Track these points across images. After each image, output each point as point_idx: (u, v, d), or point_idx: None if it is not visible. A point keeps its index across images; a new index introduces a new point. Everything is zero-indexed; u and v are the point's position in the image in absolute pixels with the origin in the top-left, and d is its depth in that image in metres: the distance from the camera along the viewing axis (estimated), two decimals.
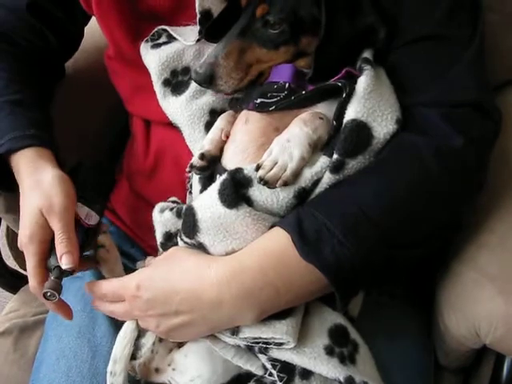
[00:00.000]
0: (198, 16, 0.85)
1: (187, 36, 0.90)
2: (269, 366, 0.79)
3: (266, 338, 0.77)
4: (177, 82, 0.91)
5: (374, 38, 0.80)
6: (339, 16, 0.78)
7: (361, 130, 0.75)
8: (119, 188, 1.11)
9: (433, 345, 0.98)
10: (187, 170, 0.86)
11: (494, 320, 0.81)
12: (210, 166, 0.85)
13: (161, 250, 0.89)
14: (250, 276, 0.76)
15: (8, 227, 1.26)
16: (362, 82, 0.77)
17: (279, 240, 0.76)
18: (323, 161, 0.77)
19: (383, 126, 0.76)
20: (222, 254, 0.80)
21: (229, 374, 0.83)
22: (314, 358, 0.76)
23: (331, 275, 0.73)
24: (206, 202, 0.78)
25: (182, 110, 0.89)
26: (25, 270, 1.30)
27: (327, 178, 0.76)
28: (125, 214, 1.11)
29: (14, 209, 1.15)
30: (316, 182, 0.77)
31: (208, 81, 0.81)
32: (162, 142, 1.01)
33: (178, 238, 0.84)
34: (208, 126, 0.88)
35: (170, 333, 0.81)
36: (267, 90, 0.82)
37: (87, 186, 0.93)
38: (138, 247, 1.08)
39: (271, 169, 0.76)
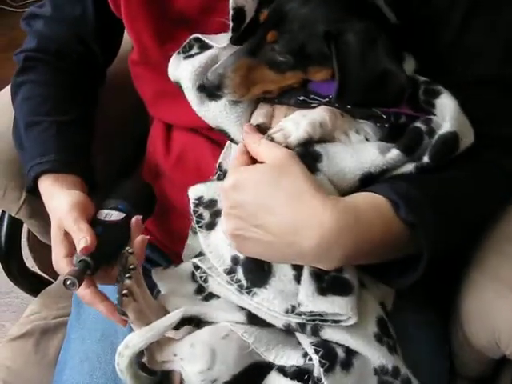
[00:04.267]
0: (232, 12, 0.85)
1: (220, 42, 0.89)
2: (311, 351, 0.79)
3: (327, 314, 0.77)
4: None
5: (393, 81, 0.80)
6: (351, 60, 0.78)
7: (454, 141, 0.79)
8: None
9: (447, 352, 0.98)
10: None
11: None
12: None
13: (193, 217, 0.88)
14: (360, 231, 0.75)
15: (29, 230, 1.27)
16: (450, 98, 0.81)
17: (381, 203, 0.77)
18: (395, 153, 0.79)
19: (467, 139, 0.81)
20: None
21: (241, 365, 0.82)
22: (367, 342, 0.78)
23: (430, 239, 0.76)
24: None
25: (228, 112, 0.88)
26: (44, 272, 1.35)
27: (407, 170, 0.80)
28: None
29: (37, 214, 1.18)
30: (384, 172, 0.79)
31: (216, 88, 0.83)
32: (184, 146, 1.02)
33: None
34: None
35: (238, 238, 0.79)
36: (311, 92, 0.83)
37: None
38: (159, 252, 1.09)
39: (277, 131, 0.80)
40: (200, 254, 0.89)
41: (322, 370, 0.77)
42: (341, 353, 0.79)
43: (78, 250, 0.84)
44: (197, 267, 0.88)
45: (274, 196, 0.76)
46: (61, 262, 0.88)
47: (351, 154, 0.79)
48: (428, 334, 0.97)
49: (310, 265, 0.79)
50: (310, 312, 0.78)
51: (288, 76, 0.83)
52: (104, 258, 0.86)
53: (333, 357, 0.78)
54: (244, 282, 0.82)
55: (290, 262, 0.80)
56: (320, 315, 0.78)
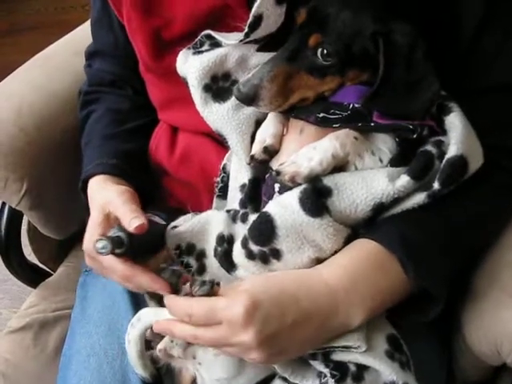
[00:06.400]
0: (251, 19, 0.82)
1: (232, 40, 0.87)
2: (321, 367, 0.79)
3: (337, 347, 0.78)
4: (217, 87, 0.88)
5: (428, 86, 0.79)
6: (396, 61, 0.77)
7: (462, 165, 0.78)
8: None
9: (446, 362, 0.98)
10: (247, 161, 0.86)
11: None
12: (270, 160, 0.85)
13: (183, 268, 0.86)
14: (366, 285, 0.78)
15: (29, 222, 1.27)
16: (459, 118, 0.80)
17: (385, 255, 0.79)
18: (405, 179, 0.77)
19: (476, 162, 0.79)
20: (297, 261, 0.80)
21: (258, 378, 0.83)
22: (378, 359, 0.78)
23: (440, 294, 0.79)
24: (287, 210, 0.78)
25: (229, 117, 0.87)
26: (44, 264, 1.34)
27: (419, 200, 0.79)
28: None
29: (37, 206, 1.17)
30: (395, 200, 0.78)
31: (249, 101, 0.81)
32: (188, 147, 1.01)
33: (237, 246, 0.82)
34: (255, 135, 0.88)
35: (274, 356, 0.77)
36: (330, 106, 0.81)
37: None
38: None
39: (289, 165, 0.78)
40: None
41: (333, 380, 0.77)
42: (352, 367, 0.79)
43: (131, 228, 0.81)
44: None
45: (287, 289, 0.77)
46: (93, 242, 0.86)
47: (361, 186, 0.78)
48: (429, 344, 0.97)
49: (340, 332, 0.79)
50: (322, 348, 0.79)
51: (327, 80, 0.80)
52: (135, 249, 0.83)
53: (344, 369, 0.79)
54: None
55: (325, 340, 0.79)
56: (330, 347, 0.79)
